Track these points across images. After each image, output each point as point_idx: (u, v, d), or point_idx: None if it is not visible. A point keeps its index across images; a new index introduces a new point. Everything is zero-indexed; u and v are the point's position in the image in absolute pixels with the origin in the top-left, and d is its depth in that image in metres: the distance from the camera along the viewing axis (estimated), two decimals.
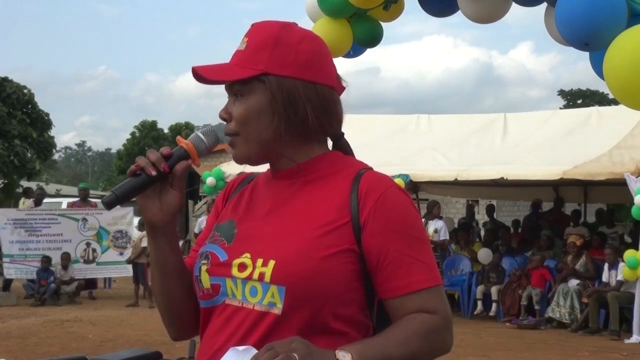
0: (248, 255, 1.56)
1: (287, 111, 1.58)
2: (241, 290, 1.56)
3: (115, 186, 1.64)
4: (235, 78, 1.60)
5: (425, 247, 1.58)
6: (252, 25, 1.66)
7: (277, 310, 1.51)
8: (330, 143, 1.72)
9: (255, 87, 1.59)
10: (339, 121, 1.67)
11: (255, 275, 1.53)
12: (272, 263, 1.52)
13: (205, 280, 1.62)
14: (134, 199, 1.67)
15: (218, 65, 1.63)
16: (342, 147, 1.72)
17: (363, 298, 1.58)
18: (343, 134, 1.71)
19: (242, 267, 1.56)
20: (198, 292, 1.65)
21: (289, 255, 1.52)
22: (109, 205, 1.61)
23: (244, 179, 1.79)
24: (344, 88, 1.68)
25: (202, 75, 1.61)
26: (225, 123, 1.64)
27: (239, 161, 1.65)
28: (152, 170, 1.58)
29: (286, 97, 1.58)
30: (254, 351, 1.45)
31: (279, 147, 1.62)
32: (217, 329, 1.59)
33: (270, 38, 1.60)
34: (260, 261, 1.53)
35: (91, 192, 16.09)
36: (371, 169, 1.64)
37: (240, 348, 1.47)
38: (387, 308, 1.57)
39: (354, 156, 1.72)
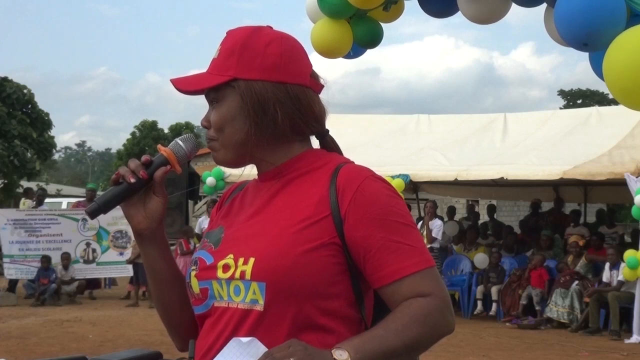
0: (231, 256, 1.58)
1: (258, 114, 1.60)
2: (226, 290, 1.58)
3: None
4: (205, 86, 1.64)
5: (411, 231, 1.57)
6: (226, 32, 1.69)
7: (259, 307, 1.53)
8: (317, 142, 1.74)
9: (227, 94, 1.63)
10: (317, 119, 1.67)
11: (237, 274, 1.55)
12: (251, 260, 1.54)
13: (195, 285, 1.64)
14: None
15: (193, 76, 1.68)
16: (327, 144, 1.73)
17: (350, 292, 1.58)
18: (327, 131, 1.73)
19: (226, 267, 1.58)
20: (191, 299, 1.67)
21: (268, 252, 1.53)
22: (92, 214, 1.66)
23: (237, 187, 1.81)
24: (321, 86, 1.69)
25: (177, 87, 1.65)
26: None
27: (220, 164, 1.70)
28: (131, 177, 1.63)
29: (256, 100, 1.60)
30: (258, 342, 1.46)
31: (255, 150, 1.64)
32: (207, 331, 1.62)
33: (238, 43, 1.64)
34: (241, 260, 1.55)
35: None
36: (351, 162, 1.65)
37: (244, 339, 1.48)
38: (382, 297, 1.57)
39: (339, 153, 1.73)
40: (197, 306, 1.65)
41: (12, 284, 13.30)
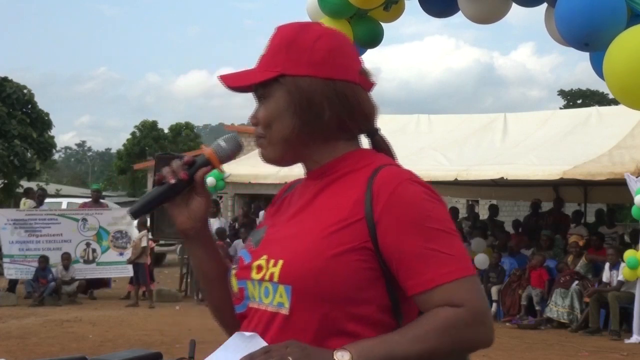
0: (265, 257, 1.56)
1: (304, 110, 1.57)
2: (258, 291, 1.56)
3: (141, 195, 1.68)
4: (251, 82, 1.61)
5: (448, 238, 1.49)
6: (276, 28, 1.67)
7: (285, 310, 1.50)
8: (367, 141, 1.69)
9: (274, 90, 1.59)
10: (365, 117, 1.63)
11: (267, 276, 1.53)
12: (280, 262, 1.51)
13: (234, 284, 1.64)
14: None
15: (241, 72, 1.65)
16: (377, 144, 1.68)
17: (384, 297, 1.52)
18: (377, 130, 1.67)
19: (259, 268, 1.56)
20: (232, 298, 1.65)
21: (296, 255, 1.50)
22: (135, 215, 1.66)
23: (291, 185, 1.77)
24: (372, 83, 1.65)
25: (225, 83, 1.63)
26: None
27: (267, 162, 1.66)
28: (172, 178, 1.62)
29: (303, 96, 1.57)
30: (259, 339, 1.46)
31: (301, 148, 1.61)
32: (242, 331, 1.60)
33: (286, 39, 1.61)
34: (272, 262, 1.53)
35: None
36: (393, 164, 1.59)
37: (247, 334, 1.48)
38: (417, 305, 1.51)
39: (390, 153, 1.67)
40: (237, 305, 1.64)
41: (12, 284, 13.29)
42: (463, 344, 1.47)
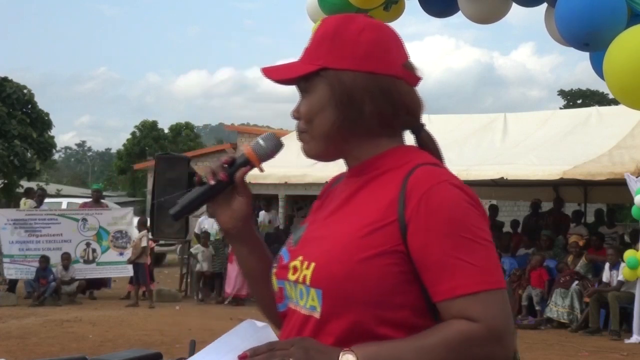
0: (301, 257, 1.53)
1: (344, 105, 1.53)
2: (294, 292, 1.54)
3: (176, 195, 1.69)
4: (292, 76, 1.59)
5: (477, 247, 1.42)
6: (321, 20, 1.65)
7: (317, 314, 1.48)
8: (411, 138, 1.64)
9: (316, 83, 1.56)
10: (409, 112, 1.57)
11: (301, 278, 1.51)
12: (312, 265, 1.49)
13: (274, 283, 1.62)
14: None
15: (284, 65, 1.63)
16: (423, 140, 1.62)
17: (419, 301, 1.45)
18: (422, 126, 1.62)
19: (294, 269, 1.54)
20: (275, 297, 1.63)
21: (327, 258, 1.47)
22: (176, 216, 1.67)
23: (337, 179, 1.72)
24: (417, 78, 1.60)
25: (267, 75, 1.61)
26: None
27: (309, 157, 1.63)
28: (211, 179, 1.62)
29: (344, 90, 1.53)
30: (269, 330, 1.46)
31: (342, 143, 1.58)
32: (282, 331, 1.59)
33: (329, 31, 1.57)
34: (305, 264, 1.51)
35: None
36: (432, 164, 1.52)
37: (259, 323, 1.48)
38: (439, 313, 1.45)
39: (435, 151, 1.62)
40: (278, 304, 1.62)
41: (12, 284, 13.29)
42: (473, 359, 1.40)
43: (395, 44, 1.59)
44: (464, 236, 1.42)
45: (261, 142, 1.66)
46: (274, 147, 1.66)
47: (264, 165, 1.67)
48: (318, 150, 1.60)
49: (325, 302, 1.46)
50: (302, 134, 1.61)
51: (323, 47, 1.56)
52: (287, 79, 1.60)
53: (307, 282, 1.48)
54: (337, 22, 1.59)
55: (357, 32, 1.56)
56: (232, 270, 13.01)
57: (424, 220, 1.43)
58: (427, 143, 1.62)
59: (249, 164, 1.65)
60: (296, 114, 1.61)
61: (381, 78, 1.54)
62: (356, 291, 1.44)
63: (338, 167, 1.67)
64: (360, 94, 1.53)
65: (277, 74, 1.61)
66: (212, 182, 1.62)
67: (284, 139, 1.71)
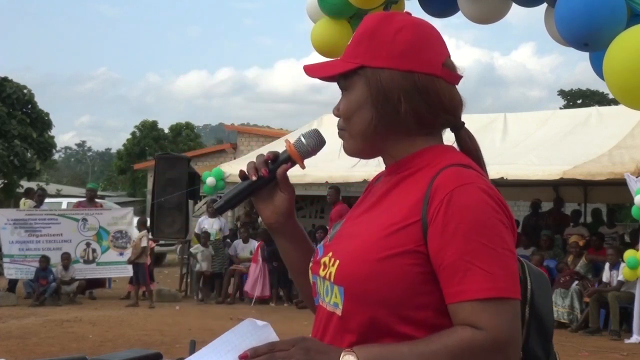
0: (330, 254, 1.55)
1: (382, 103, 1.54)
2: (322, 288, 1.57)
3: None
4: (331, 73, 1.61)
5: (495, 254, 1.40)
6: (363, 18, 1.66)
7: (339, 311, 1.50)
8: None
9: (355, 81, 1.57)
10: (447, 111, 1.57)
11: (327, 275, 1.54)
12: (337, 263, 1.51)
13: (310, 277, 1.65)
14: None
15: (325, 63, 1.65)
16: (462, 140, 1.61)
17: (442, 302, 1.44)
18: (462, 125, 1.61)
19: (324, 266, 1.56)
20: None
21: (351, 256, 1.49)
22: (220, 210, 1.71)
23: (378, 177, 1.72)
24: (457, 76, 1.60)
25: (308, 73, 1.64)
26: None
27: (348, 155, 1.64)
28: (253, 174, 1.65)
29: (380, 89, 1.53)
30: (270, 330, 1.46)
31: (379, 141, 1.58)
32: (313, 327, 1.61)
33: (369, 30, 1.58)
34: (332, 260, 1.53)
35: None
36: (462, 165, 1.51)
37: (260, 322, 1.48)
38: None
39: (474, 151, 1.60)
40: (315, 298, 1.64)
41: (12, 284, 13.29)
42: None
43: (435, 42, 1.59)
44: (482, 241, 1.40)
45: (303, 139, 1.68)
46: (316, 144, 1.68)
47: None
48: (356, 148, 1.61)
49: (347, 299, 1.48)
50: (341, 132, 1.63)
51: (362, 46, 1.58)
52: (327, 77, 1.62)
53: (332, 279, 1.51)
54: (377, 20, 1.60)
55: (395, 31, 1.56)
56: (253, 271, 13.04)
57: (444, 221, 1.42)
58: (466, 142, 1.61)
59: (290, 160, 1.67)
60: (336, 112, 1.63)
61: (419, 76, 1.54)
62: (376, 290, 1.45)
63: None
64: (396, 92, 1.53)
65: (317, 71, 1.64)
66: (254, 178, 1.65)
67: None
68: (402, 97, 1.53)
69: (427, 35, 1.58)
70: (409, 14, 1.64)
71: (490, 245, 1.40)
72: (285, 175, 1.67)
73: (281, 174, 1.66)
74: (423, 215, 1.45)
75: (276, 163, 1.66)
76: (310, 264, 1.65)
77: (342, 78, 1.59)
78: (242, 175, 1.67)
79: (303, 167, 1.69)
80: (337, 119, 1.64)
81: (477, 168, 1.54)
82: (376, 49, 1.55)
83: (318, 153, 1.71)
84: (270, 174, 1.66)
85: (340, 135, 1.63)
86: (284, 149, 1.69)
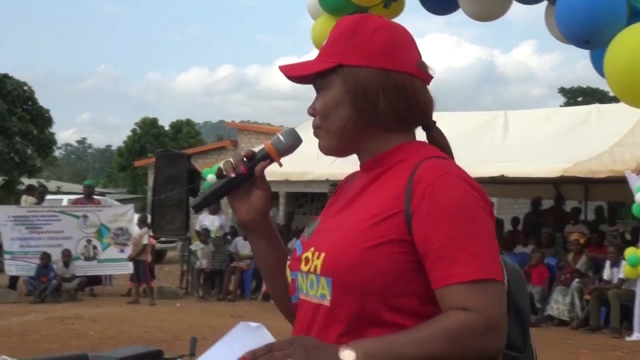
0: (312, 249, 1.58)
1: (360, 100, 1.57)
2: (305, 283, 1.59)
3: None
4: (308, 72, 1.63)
5: (479, 239, 1.45)
6: (337, 20, 1.69)
7: (327, 302, 1.53)
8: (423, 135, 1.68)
9: (332, 80, 1.60)
10: (422, 109, 1.62)
11: (312, 268, 1.56)
12: (322, 255, 1.54)
13: (288, 275, 1.67)
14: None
15: (301, 63, 1.68)
16: (434, 137, 1.67)
17: (427, 289, 1.48)
18: (433, 123, 1.66)
19: (306, 260, 1.58)
20: (289, 289, 1.68)
21: (337, 247, 1.52)
22: (197, 208, 1.73)
23: (351, 176, 1.76)
24: (429, 76, 1.65)
25: (284, 72, 1.65)
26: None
27: (324, 153, 1.67)
28: (232, 172, 1.67)
29: (359, 86, 1.57)
30: (264, 330, 1.47)
31: (357, 138, 1.62)
32: (295, 323, 1.63)
33: (345, 31, 1.62)
34: (316, 254, 1.55)
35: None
36: (440, 157, 1.57)
37: (253, 324, 1.49)
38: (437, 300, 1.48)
39: (446, 147, 1.66)
40: (292, 296, 1.66)
41: (13, 280, 13.29)
42: (470, 349, 1.42)
43: (409, 44, 1.64)
44: (466, 227, 1.46)
45: (281, 137, 1.70)
46: (293, 142, 1.70)
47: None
48: (332, 145, 1.64)
49: (335, 289, 1.51)
50: (317, 130, 1.65)
51: (339, 46, 1.61)
52: (304, 76, 1.65)
53: (318, 271, 1.53)
54: (353, 21, 1.64)
55: (372, 31, 1.61)
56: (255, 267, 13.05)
57: (428, 209, 1.47)
58: (437, 140, 1.67)
59: (268, 158, 1.69)
60: (312, 111, 1.65)
61: (396, 75, 1.58)
62: (364, 278, 1.48)
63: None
64: (375, 89, 1.57)
65: (294, 71, 1.66)
66: (233, 175, 1.66)
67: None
68: (381, 93, 1.57)
69: (401, 36, 1.64)
70: (382, 16, 1.68)
71: (474, 230, 1.46)
72: (263, 173, 1.69)
73: (259, 170, 1.68)
74: (406, 206, 1.49)
75: (254, 160, 1.68)
76: (289, 262, 1.67)
77: (319, 77, 1.62)
78: (220, 172, 1.68)
79: (280, 164, 1.71)
80: None
81: (453, 161, 1.61)
82: (354, 48, 1.59)
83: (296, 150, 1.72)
84: (248, 171, 1.67)
85: (316, 134, 1.65)
86: (262, 147, 1.70)
